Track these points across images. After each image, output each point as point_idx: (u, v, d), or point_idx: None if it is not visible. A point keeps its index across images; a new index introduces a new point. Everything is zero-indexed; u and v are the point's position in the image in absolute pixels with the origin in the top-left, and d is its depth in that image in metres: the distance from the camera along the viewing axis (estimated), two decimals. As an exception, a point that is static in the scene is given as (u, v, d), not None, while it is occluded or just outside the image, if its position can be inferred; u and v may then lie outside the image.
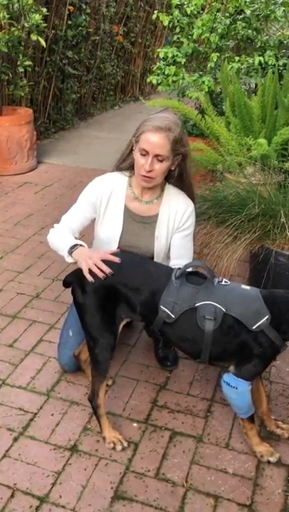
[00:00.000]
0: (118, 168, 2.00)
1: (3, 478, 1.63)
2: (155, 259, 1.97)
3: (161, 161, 1.82)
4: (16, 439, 1.77)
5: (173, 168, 1.90)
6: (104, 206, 1.96)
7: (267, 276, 2.29)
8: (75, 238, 1.91)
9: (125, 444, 1.75)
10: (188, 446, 1.78)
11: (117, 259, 1.71)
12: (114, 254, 1.76)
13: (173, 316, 1.64)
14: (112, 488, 1.61)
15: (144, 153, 1.81)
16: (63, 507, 1.55)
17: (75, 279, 1.78)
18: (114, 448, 1.74)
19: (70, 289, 1.80)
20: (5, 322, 2.42)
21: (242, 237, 2.28)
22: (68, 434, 1.81)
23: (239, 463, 1.72)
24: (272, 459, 1.70)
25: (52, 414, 1.89)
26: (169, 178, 1.96)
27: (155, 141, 1.78)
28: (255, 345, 1.59)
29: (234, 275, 2.62)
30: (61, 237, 1.90)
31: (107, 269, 1.67)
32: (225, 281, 1.68)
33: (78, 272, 1.78)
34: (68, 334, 2.06)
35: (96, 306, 1.70)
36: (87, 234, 2.14)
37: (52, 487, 1.61)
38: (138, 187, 1.95)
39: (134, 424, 1.86)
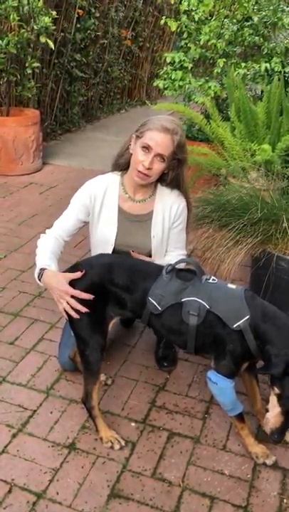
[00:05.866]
0: (116, 164, 1.99)
1: (1, 474, 1.64)
2: (153, 257, 1.99)
3: (161, 162, 1.83)
4: (14, 436, 1.79)
5: (166, 172, 1.91)
6: (99, 208, 1.97)
7: (268, 280, 2.30)
8: (64, 241, 1.95)
9: (122, 443, 1.76)
10: (185, 447, 1.79)
11: (78, 275, 1.72)
12: (104, 255, 1.83)
13: (159, 309, 1.68)
14: (108, 486, 1.62)
15: (146, 150, 1.81)
16: (60, 503, 1.56)
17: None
18: (112, 447, 1.75)
19: None
20: (7, 320, 2.44)
21: (244, 241, 2.29)
22: (66, 431, 1.82)
23: (236, 465, 1.72)
24: (268, 462, 1.71)
25: (51, 412, 1.90)
26: (161, 180, 1.97)
27: (161, 140, 1.79)
28: (229, 342, 1.62)
29: (235, 279, 2.63)
30: (40, 251, 1.87)
31: (82, 308, 1.68)
32: (213, 279, 1.72)
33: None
34: (69, 334, 2.08)
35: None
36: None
37: (49, 483, 1.62)
38: (131, 185, 1.95)
39: (132, 424, 1.87)
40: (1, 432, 1.80)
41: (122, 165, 1.98)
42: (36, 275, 1.80)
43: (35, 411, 1.90)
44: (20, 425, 1.83)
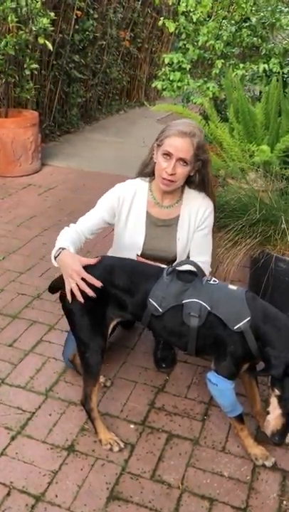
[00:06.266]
0: (142, 173, 2.04)
1: (-1, 476, 1.64)
2: (178, 260, 2.01)
3: (183, 165, 1.86)
4: (13, 438, 1.78)
5: (192, 174, 1.94)
6: (126, 212, 1.99)
7: (267, 281, 2.29)
8: (86, 238, 1.96)
9: (122, 445, 1.76)
10: (184, 449, 1.78)
11: (93, 261, 1.75)
12: (105, 257, 1.82)
13: (160, 310, 1.68)
14: (107, 488, 1.62)
15: (168, 156, 1.85)
16: (59, 506, 1.56)
17: (63, 285, 1.78)
18: (111, 449, 1.75)
19: (58, 294, 1.81)
20: (5, 322, 2.43)
21: (243, 242, 2.29)
22: (65, 434, 1.81)
23: (235, 466, 1.72)
24: (267, 463, 1.71)
25: (50, 414, 1.90)
26: (189, 183, 2.00)
27: (180, 145, 1.82)
28: (230, 343, 1.62)
29: (234, 280, 2.63)
30: (62, 237, 1.89)
31: (90, 292, 1.68)
32: (214, 280, 1.72)
33: None
34: None
35: (86, 310, 1.71)
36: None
37: (48, 486, 1.62)
38: (158, 191, 1.99)
39: (132, 426, 1.87)
40: (0, 435, 1.79)
41: (147, 174, 2.02)
42: (54, 253, 1.81)
43: (34, 413, 1.90)
44: (19, 427, 1.83)
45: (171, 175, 1.86)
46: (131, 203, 1.99)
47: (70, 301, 1.72)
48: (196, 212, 1.99)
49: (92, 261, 1.76)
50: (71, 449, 1.75)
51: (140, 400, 1.99)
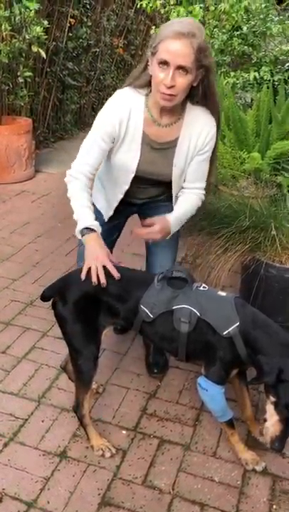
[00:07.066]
0: (131, 85, 1.78)
1: (-9, 483, 1.65)
2: (173, 185, 1.91)
3: (184, 74, 1.60)
4: (5, 445, 1.79)
5: (195, 85, 1.68)
6: (123, 133, 1.79)
7: (257, 287, 2.32)
8: (93, 175, 1.86)
9: (113, 451, 1.77)
10: (176, 454, 1.80)
11: (117, 275, 1.73)
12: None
13: (151, 316, 1.70)
14: (99, 494, 1.63)
15: (164, 65, 1.59)
16: (50, 512, 1.57)
17: (55, 292, 1.80)
18: (102, 455, 1.76)
19: (51, 302, 1.81)
20: (-2, 329, 2.45)
21: (233, 248, 2.31)
22: (58, 440, 1.83)
23: (226, 471, 1.74)
24: (257, 468, 1.73)
25: (42, 421, 1.91)
26: (191, 97, 1.76)
27: (177, 49, 1.56)
28: (219, 349, 1.64)
29: (226, 286, 2.65)
30: (78, 200, 1.80)
31: (103, 281, 1.69)
32: (203, 287, 1.74)
33: (58, 285, 1.81)
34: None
35: (78, 318, 1.72)
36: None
37: (40, 492, 1.62)
38: (156, 108, 1.75)
39: (123, 432, 1.88)
40: (-8, 442, 1.80)
41: (139, 86, 1.77)
42: (80, 229, 1.75)
43: (26, 420, 1.91)
44: (12, 434, 1.84)
45: (171, 87, 1.60)
46: (127, 123, 1.76)
47: (82, 279, 1.71)
48: (198, 134, 1.77)
49: (112, 268, 1.72)
50: (63, 456, 1.77)
51: (132, 406, 2.01)
